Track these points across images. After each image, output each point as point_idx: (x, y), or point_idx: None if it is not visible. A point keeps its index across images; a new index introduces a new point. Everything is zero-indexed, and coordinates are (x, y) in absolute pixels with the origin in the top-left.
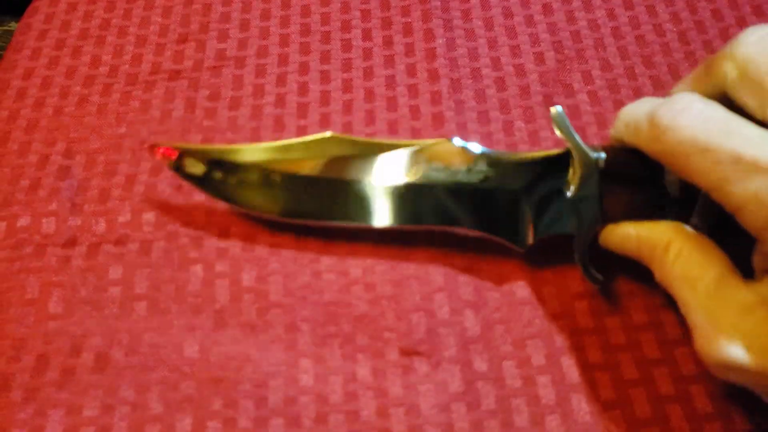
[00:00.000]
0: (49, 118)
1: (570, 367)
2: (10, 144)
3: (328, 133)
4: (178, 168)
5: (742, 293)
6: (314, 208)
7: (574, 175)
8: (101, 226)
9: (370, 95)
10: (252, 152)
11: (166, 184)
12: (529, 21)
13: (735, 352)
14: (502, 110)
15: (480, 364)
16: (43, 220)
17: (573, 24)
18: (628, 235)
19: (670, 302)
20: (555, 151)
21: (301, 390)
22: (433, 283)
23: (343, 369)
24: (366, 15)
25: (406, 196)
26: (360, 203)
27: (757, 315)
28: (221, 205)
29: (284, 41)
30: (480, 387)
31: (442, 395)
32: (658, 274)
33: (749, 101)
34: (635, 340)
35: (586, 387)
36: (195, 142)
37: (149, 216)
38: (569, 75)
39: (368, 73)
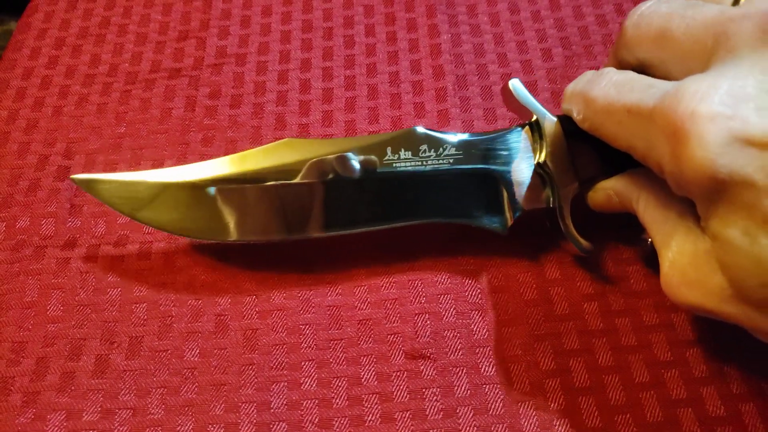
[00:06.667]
0: (48, 118)
1: (579, 371)
2: (10, 144)
3: (286, 139)
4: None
5: (693, 234)
6: (283, 221)
7: (541, 142)
8: (101, 228)
9: (373, 92)
10: (199, 170)
11: None
12: (536, 16)
13: (687, 293)
14: None
15: (487, 368)
16: (43, 222)
17: (580, 19)
18: (607, 194)
19: None
20: (518, 126)
21: (304, 394)
22: (439, 285)
23: (347, 373)
24: (369, 10)
25: (380, 192)
26: (332, 207)
27: (701, 250)
28: None
29: (285, 38)
30: (487, 391)
31: (449, 400)
32: (640, 221)
33: (643, 56)
34: (646, 341)
35: (596, 391)
36: (195, 142)
37: None
38: (577, 71)
39: (371, 70)
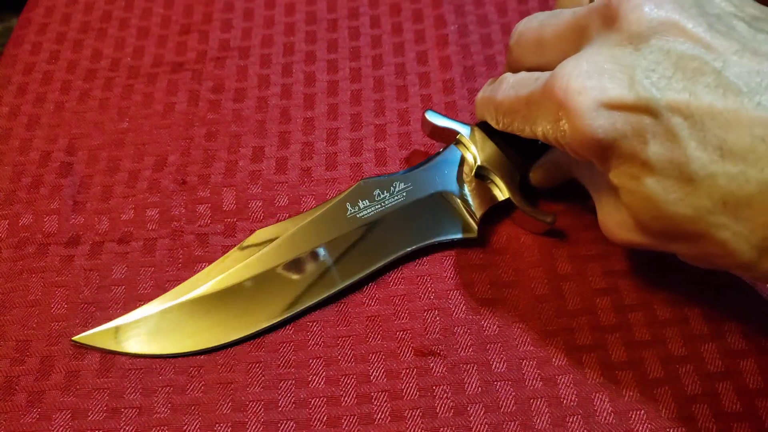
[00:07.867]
0: (50, 114)
1: (592, 366)
2: (12, 141)
3: (257, 232)
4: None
5: (612, 183)
6: (289, 296)
7: (473, 150)
8: (104, 224)
9: (379, 84)
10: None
11: (170, 180)
12: (544, 5)
13: (618, 232)
14: None
15: (498, 365)
16: (45, 219)
17: None
18: (545, 168)
19: (694, 296)
20: (449, 145)
21: (312, 392)
22: (448, 281)
23: (356, 370)
24: (374, 1)
25: (354, 244)
26: (319, 273)
27: (617, 196)
28: (228, 201)
29: (289, 30)
30: (499, 388)
31: (460, 397)
32: (578, 181)
33: (530, 65)
34: (660, 336)
35: (610, 386)
36: (199, 137)
37: (153, 213)
38: None
39: (377, 62)
